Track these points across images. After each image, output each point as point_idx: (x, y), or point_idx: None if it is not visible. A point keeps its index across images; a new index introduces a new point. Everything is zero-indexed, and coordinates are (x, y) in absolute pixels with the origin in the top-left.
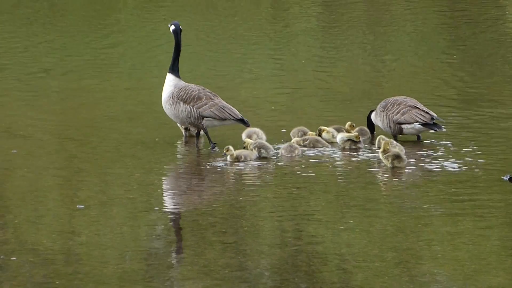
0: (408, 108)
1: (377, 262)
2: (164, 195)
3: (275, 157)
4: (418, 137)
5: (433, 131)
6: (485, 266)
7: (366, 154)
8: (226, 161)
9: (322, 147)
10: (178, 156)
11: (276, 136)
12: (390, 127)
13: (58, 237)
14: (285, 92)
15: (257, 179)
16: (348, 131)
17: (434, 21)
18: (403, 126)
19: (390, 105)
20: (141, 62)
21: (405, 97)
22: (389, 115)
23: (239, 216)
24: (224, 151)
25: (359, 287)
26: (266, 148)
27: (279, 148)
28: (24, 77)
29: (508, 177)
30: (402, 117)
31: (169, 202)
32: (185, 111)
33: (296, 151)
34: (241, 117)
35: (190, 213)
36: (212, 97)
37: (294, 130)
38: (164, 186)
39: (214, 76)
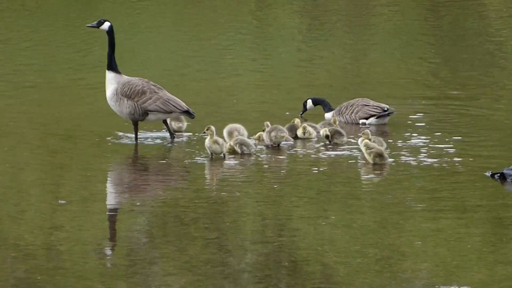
0: (360, 106)
1: (358, 258)
2: (146, 190)
3: (255, 150)
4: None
5: (387, 116)
6: (467, 262)
7: (348, 150)
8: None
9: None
10: (160, 151)
11: (255, 131)
12: (348, 123)
13: (40, 232)
14: (265, 87)
15: (239, 175)
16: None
17: (415, 18)
18: (360, 121)
19: (343, 108)
20: (122, 57)
21: (357, 98)
22: (345, 116)
23: (221, 212)
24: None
25: (341, 283)
26: (247, 145)
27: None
28: (6, 72)
29: (491, 173)
30: (357, 115)
31: (151, 198)
32: (129, 107)
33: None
34: (186, 109)
35: (172, 209)
36: (157, 91)
37: (268, 128)
38: (146, 182)
39: (193, 70)
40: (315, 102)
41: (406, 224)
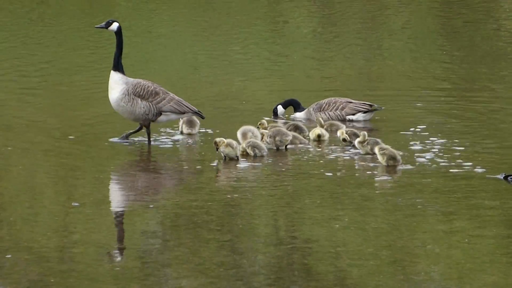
0: (345, 103)
1: (371, 260)
2: (159, 192)
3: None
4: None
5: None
6: (480, 265)
7: (361, 152)
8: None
9: (300, 143)
10: (173, 153)
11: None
12: (332, 119)
13: (53, 235)
14: (276, 90)
15: (251, 177)
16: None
17: (428, 19)
18: (347, 117)
19: (325, 105)
20: (136, 59)
21: (334, 98)
22: (328, 113)
23: (234, 214)
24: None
25: (354, 285)
26: (259, 148)
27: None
28: (20, 74)
29: (503, 175)
30: (343, 111)
31: (164, 200)
32: (143, 107)
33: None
34: (197, 110)
35: (185, 211)
36: (167, 92)
37: (271, 132)
38: (159, 184)
39: (205, 73)
40: (285, 105)
41: (419, 226)
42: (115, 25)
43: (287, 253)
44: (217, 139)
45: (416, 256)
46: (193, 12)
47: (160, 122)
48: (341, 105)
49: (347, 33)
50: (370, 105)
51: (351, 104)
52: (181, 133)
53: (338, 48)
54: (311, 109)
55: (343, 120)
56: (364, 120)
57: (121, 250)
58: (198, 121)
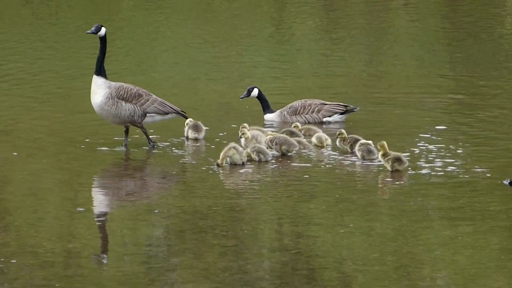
0: (320, 105)
1: (377, 265)
2: (164, 197)
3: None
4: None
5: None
6: (485, 270)
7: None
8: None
9: (304, 149)
10: (179, 158)
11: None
12: (309, 122)
13: (58, 240)
14: (281, 93)
15: (256, 182)
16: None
17: (433, 24)
18: (324, 119)
19: (300, 108)
20: (142, 65)
21: (308, 99)
22: (304, 116)
23: (239, 219)
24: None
25: None
26: (264, 154)
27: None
28: (24, 79)
29: (509, 181)
30: (320, 114)
31: (169, 205)
32: (128, 109)
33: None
34: (180, 110)
35: (190, 216)
36: (150, 94)
37: (278, 140)
38: (164, 189)
39: (209, 77)
40: (259, 96)
41: (424, 232)
42: (103, 30)
43: (292, 259)
44: (219, 161)
45: (421, 261)
46: (197, 16)
47: (145, 124)
48: (317, 108)
49: (351, 38)
50: (345, 106)
51: (327, 106)
52: (187, 138)
53: (341, 52)
54: (285, 112)
55: (320, 123)
56: (340, 121)
57: (126, 255)
58: (203, 126)
